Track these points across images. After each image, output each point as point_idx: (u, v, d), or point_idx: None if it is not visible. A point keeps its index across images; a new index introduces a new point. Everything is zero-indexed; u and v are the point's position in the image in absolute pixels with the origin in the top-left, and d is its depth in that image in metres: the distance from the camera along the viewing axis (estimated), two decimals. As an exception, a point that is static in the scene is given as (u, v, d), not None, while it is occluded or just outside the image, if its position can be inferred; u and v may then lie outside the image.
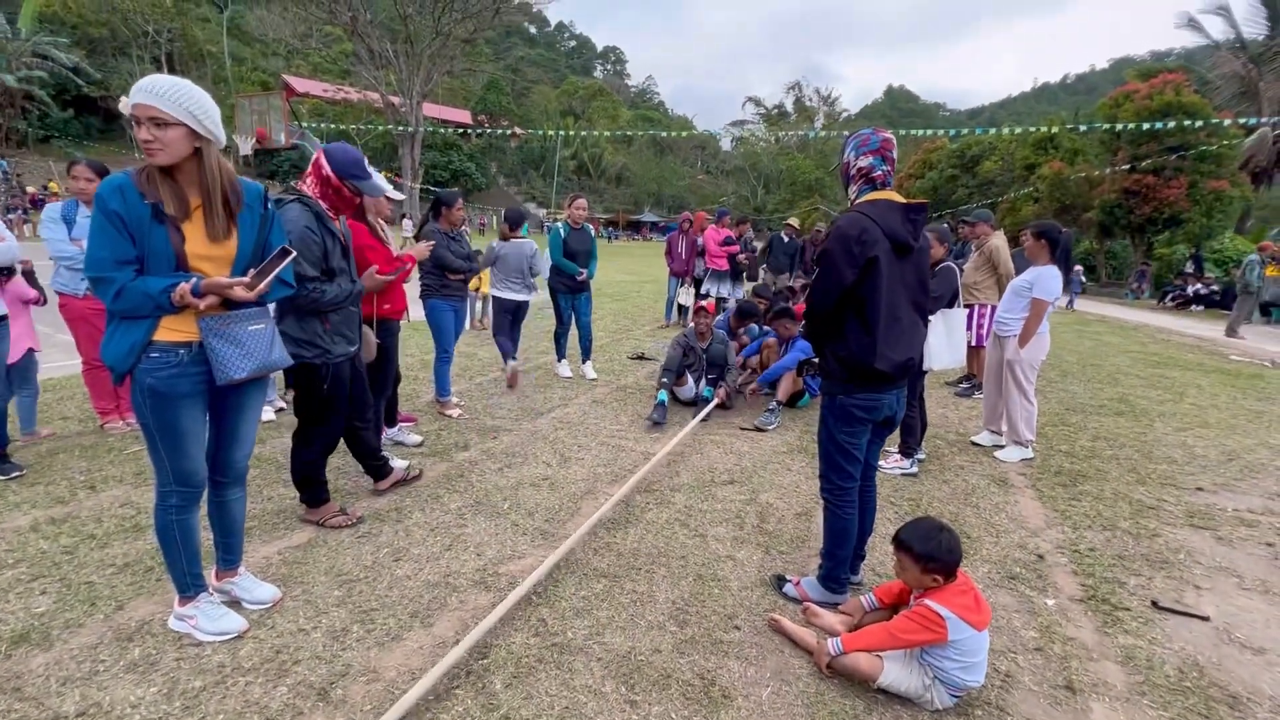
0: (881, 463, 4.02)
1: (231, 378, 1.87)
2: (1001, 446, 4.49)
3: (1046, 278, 4.10)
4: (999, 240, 5.84)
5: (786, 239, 8.77)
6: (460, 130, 42.87)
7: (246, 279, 1.84)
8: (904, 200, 2.28)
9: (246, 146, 22.70)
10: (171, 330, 1.82)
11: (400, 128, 30.80)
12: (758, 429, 4.66)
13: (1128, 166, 19.92)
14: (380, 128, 32.78)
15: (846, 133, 2.45)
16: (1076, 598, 2.65)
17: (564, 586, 2.48)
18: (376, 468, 3.17)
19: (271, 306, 2.11)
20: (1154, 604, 2.62)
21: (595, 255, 5.71)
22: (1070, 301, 16.54)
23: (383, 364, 3.34)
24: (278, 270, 1.89)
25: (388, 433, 3.86)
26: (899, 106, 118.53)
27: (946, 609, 1.89)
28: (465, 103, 49.38)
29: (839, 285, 2.18)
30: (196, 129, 1.75)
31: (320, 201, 2.53)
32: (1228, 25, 23.76)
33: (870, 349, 2.22)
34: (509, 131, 41.87)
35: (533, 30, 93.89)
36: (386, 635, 2.13)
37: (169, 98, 1.70)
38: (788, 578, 2.59)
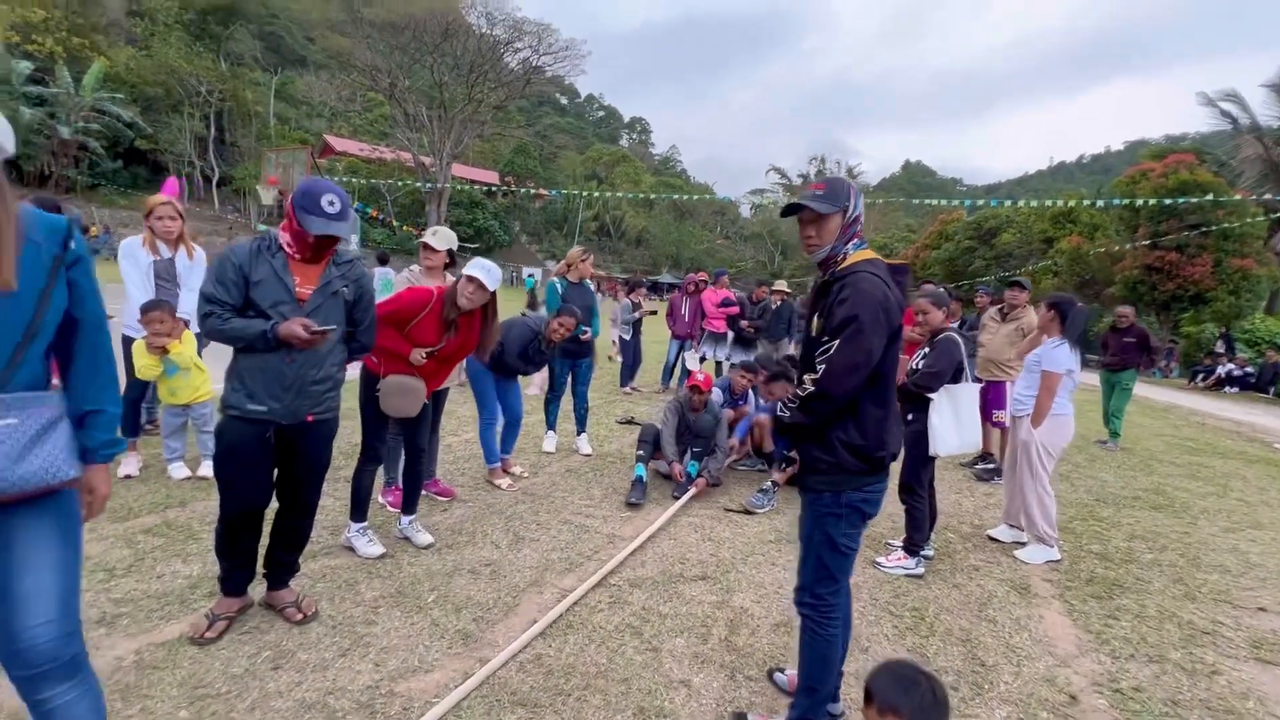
0: (881, 560, 3.51)
1: None
2: (1023, 544, 3.94)
3: (1050, 348, 3.71)
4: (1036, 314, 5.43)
5: (778, 304, 8.32)
6: (486, 189, 44.41)
7: None
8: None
9: (269, 196, 23.51)
10: None
11: (428, 184, 31.92)
12: (746, 511, 4.17)
13: (1148, 242, 19.63)
14: (411, 184, 34.00)
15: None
16: (1121, 762, 2.08)
17: (468, 715, 1.99)
18: (275, 571, 2.53)
19: (51, 397, 1.42)
20: (1223, 777, 2.05)
21: (596, 313, 5.30)
22: None
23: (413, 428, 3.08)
24: None
25: (401, 524, 3.25)
26: (916, 180, 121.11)
27: None
28: (494, 164, 51.34)
29: (869, 360, 1.83)
30: None
31: (284, 234, 2.28)
32: (1242, 111, 23.89)
33: (885, 432, 1.91)
34: (532, 191, 43.20)
35: (564, 101, 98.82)
36: (220, 782, 1.66)
37: None
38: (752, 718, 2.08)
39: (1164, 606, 3.27)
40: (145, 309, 3.58)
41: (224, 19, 43.92)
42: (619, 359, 9.44)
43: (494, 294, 2.99)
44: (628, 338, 8.46)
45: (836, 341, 1.82)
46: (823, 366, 1.83)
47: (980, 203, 29.96)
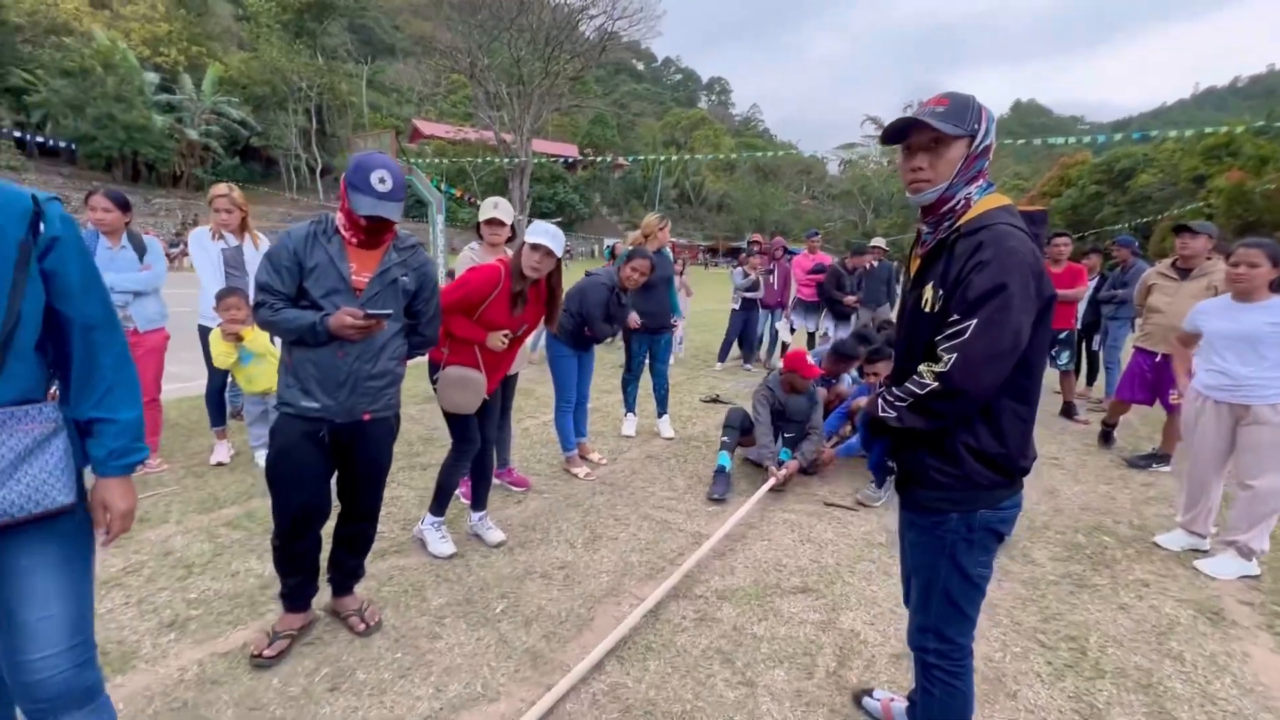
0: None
1: None
2: (1202, 552, 3.20)
3: None
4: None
5: (875, 264, 7.42)
6: (565, 162, 44.50)
7: None
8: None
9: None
10: None
11: (510, 161, 32.39)
12: (861, 505, 3.65)
13: (1339, 174, 16.37)
14: (495, 161, 34.67)
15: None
16: None
17: (534, 763, 1.73)
18: (339, 577, 2.38)
19: (42, 411, 1.22)
20: None
21: (672, 284, 4.89)
22: None
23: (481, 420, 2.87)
24: None
25: (471, 520, 3.06)
26: (1028, 121, 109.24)
27: None
28: (573, 137, 51.35)
29: (1017, 344, 1.35)
30: None
31: (340, 216, 2.09)
32: None
33: (1027, 435, 1.47)
34: (610, 161, 42.87)
35: (640, 66, 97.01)
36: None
37: None
38: (873, 790, 1.68)
39: None
40: (220, 296, 3.59)
41: (318, 15, 46.13)
42: (680, 352, 8.84)
43: (559, 260, 2.71)
44: (736, 307, 7.97)
45: (973, 321, 1.32)
46: (952, 355, 1.34)
47: (1119, 137, 26.02)
